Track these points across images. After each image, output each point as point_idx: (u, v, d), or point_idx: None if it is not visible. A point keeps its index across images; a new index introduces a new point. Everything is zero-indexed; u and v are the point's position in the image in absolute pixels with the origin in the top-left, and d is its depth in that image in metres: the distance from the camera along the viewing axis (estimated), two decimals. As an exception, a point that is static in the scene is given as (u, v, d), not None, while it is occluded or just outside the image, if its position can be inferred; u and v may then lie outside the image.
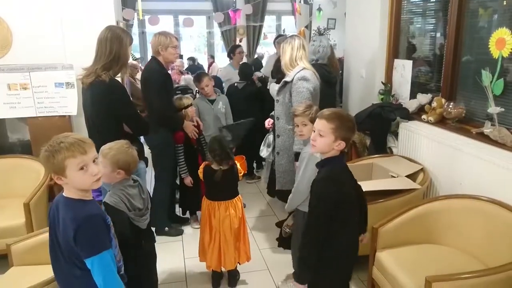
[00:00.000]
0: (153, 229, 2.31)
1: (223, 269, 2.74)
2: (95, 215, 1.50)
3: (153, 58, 3.17)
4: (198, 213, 3.50)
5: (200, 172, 2.65)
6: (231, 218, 2.57)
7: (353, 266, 1.97)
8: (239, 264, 2.72)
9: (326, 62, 3.73)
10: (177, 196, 3.77)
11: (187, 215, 3.68)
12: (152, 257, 2.20)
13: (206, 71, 8.91)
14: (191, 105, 3.34)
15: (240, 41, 9.53)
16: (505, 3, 2.70)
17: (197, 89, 5.34)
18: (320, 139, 1.80)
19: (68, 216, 1.46)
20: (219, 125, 3.80)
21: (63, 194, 1.52)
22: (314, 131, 1.84)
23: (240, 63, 5.19)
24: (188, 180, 3.32)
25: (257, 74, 4.95)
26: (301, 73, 2.82)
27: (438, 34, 3.39)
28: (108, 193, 1.93)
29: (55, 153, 1.42)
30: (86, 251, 1.46)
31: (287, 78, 2.89)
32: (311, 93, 2.79)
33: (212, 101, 3.77)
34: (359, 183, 2.01)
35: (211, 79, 3.81)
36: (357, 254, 1.95)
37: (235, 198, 2.64)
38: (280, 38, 5.07)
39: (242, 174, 2.71)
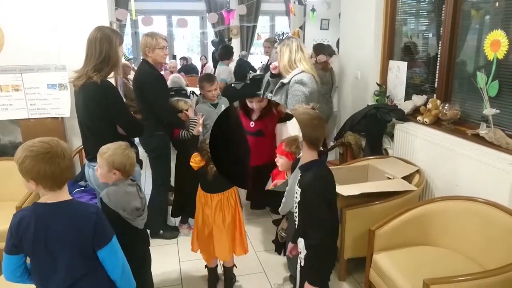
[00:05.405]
0: (148, 231, 2.28)
1: (219, 271, 2.71)
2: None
3: (143, 60, 3.12)
4: (190, 220, 3.42)
5: (192, 162, 2.50)
6: (223, 211, 2.48)
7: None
8: (235, 255, 2.61)
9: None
10: (171, 198, 3.73)
11: (177, 223, 3.53)
12: (147, 261, 2.18)
13: (200, 72, 8.88)
14: (186, 110, 3.25)
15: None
16: (497, 4, 2.71)
17: (191, 90, 5.31)
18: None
19: (82, 213, 1.55)
20: None
21: (49, 202, 1.51)
22: None
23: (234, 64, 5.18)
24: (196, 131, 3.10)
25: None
26: (299, 76, 2.80)
27: (433, 35, 3.40)
28: (106, 190, 1.93)
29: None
30: (104, 239, 1.56)
31: (284, 80, 2.88)
32: (306, 97, 2.77)
33: (215, 105, 3.71)
34: (355, 184, 2.00)
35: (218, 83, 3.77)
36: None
37: (230, 190, 2.53)
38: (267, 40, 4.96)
39: None
